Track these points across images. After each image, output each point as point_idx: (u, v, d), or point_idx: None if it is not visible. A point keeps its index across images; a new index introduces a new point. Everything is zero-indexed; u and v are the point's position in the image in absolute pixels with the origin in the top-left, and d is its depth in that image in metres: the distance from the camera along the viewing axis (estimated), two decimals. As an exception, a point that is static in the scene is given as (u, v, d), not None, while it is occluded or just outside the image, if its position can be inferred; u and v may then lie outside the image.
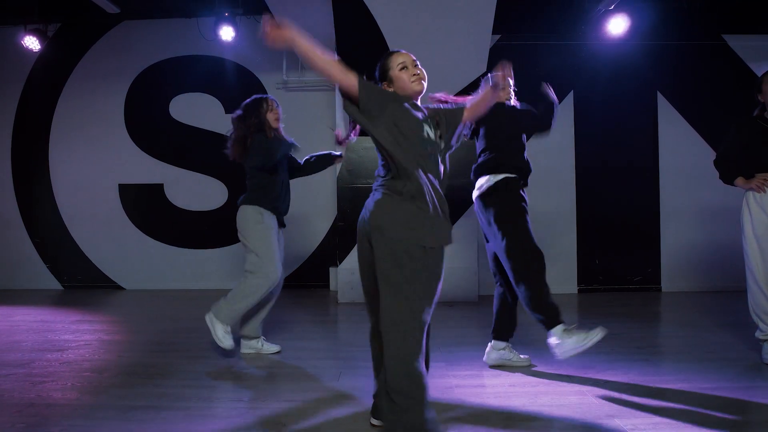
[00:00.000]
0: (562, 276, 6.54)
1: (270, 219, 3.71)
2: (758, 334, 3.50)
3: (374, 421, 2.43)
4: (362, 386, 3.02)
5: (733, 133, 3.62)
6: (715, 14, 6.45)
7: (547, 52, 6.56)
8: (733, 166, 3.59)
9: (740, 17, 6.52)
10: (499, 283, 3.49)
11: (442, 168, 2.33)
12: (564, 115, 6.59)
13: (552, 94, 3.64)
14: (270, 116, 3.75)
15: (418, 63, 2.43)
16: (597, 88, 6.58)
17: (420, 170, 2.19)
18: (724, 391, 2.89)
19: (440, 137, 2.36)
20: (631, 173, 6.61)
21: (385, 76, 2.43)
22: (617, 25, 6.05)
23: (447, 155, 2.41)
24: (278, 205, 3.74)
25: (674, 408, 2.65)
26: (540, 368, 3.36)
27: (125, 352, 3.82)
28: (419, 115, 2.32)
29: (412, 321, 2.05)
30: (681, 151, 6.58)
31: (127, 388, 2.99)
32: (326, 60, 2.27)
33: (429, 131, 2.30)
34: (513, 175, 3.38)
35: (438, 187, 2.26)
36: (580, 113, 6.61)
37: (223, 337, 3.52)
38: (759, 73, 6.41)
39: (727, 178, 3.62)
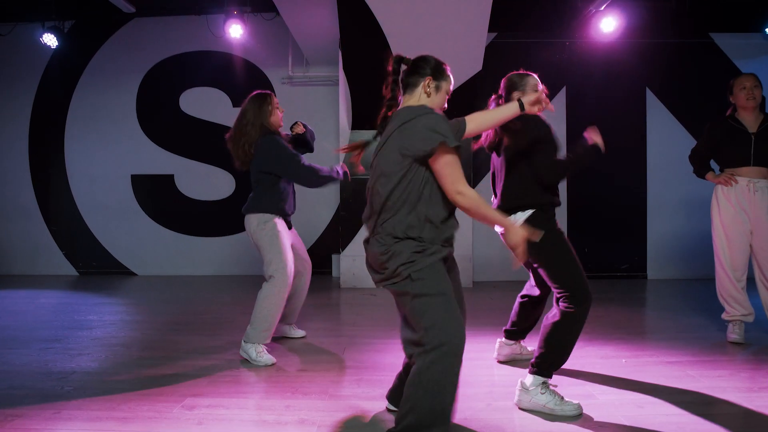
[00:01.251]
0: (553, 263, 6.89)
1: (279, 223, 3.55)
2: (724, 316, 3.85)
3: (390, 406, 2.51)
4: (365, 359, 3.37)
5: (706, 132, 3.95)
6: (702, 13, 6.73)
7: (541, 50, 6.87)
8: (704, 162, 3.93)
9: (727, 16, 6.81)
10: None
11: None
12: (556, 109, 6.86)
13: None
14: (274, 117, 3.61)
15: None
16: (589, 85, 6.89)
17: None
18: (685, 364, 3.24)
19: None
20: (620, 166, 6.92)
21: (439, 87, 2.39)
22: (608, 24, 6.33)
23: None
24: (284, 207, 3.59)
25: (639, 377, 3.00)
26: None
27: (147, 331, 4.18)
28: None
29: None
30: (668, 145, 6.89)
31: (155, 360, 3.35)
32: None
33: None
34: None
35: None
36: (572, 108, 6.92)
37: (257, 357, 3.30)
38: (745, 71, 6.77)
39: (699, 172, 3.96)
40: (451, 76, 2.44)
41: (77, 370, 3.12)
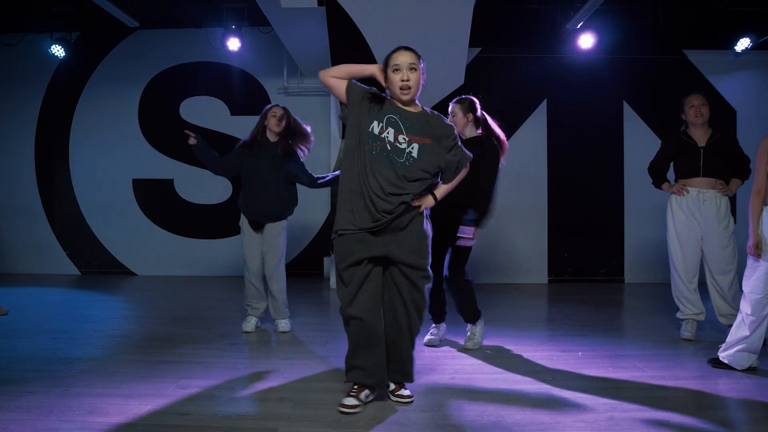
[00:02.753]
0: (534, 268, 7.24)
1: (243, 222, 4.24)
2: (678, 315, 4.19)
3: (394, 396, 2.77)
4: (342, 350, 3.69)
5: (662, 146, 4.32)
6: (676, 31, 7.09)
7: (523, 64, 7.23)
8: (661, 174, 4.28)
9: (699, 34, 7.17)
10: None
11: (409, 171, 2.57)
12: (538, 121, 7.28)
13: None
14: (271, 122, 4.25)
15: (416, 65, 2.62)
16: (568, 97, 7.24)
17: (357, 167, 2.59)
18: (636, 358, 3.58)
19: (403, 142, 2.56)
20: (599, 174, 7.27)
21: (385, 73, 2.67)
22: (586, 41, 6.72)
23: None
24: (247, 209, 4.18)
25: (590, 368, 3.34)
26: (494, 341, 4.04)
27: (146, 324, 4.52)
28: (383, 111, 2.59)
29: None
30: (644, 154, 7.08)
31: (154, 348, 3.69)
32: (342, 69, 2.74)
33: (375, 126, 2.56)
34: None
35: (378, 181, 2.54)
36: (552, 120, 7.27)
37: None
38: (716, 85, 7.19)
39: (656, 183, 4.32)
40: (398, 50, 2.73)
41: (83, 356, 3.45)
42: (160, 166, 7.68)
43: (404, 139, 2.57)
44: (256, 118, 7.58)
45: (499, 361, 3.49)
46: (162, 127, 7.68)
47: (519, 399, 2.80)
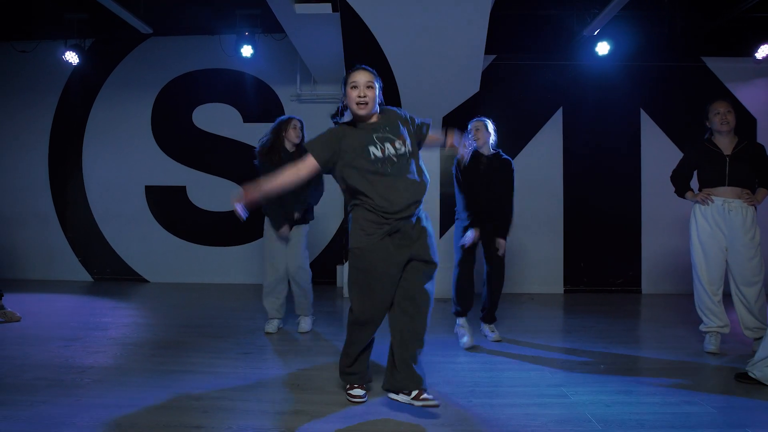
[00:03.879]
0: (549, 277, 7.13)
1: (267, 225, 4.48)
2: (702, 327, 4.08)
3: (391, 395, 2.83)
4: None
5: (686, 154, 4.22)
6: (694, 38, 6.99)
7: (538, 71, 7.16)
8: (684, 182, 4.18)
9: (718, 41, 7.06)
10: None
11: (413, 168, 2.72)
12: (553, 129, 7.19)
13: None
14: (291, 134, 4.46)
15: (372, 84, 2.71)
16: (584, 105, 7.15)
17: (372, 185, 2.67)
18: (659, 371, 3.48)
19: (400, 146, 2.69)
20: (615, 183, 7.16)
21: (343, 88, 2.79)
22: (602, 48, 6.64)
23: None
24: (270, 214, 4.40)
25: (613, 382, 3.24)
26: (511, 352, 3.95)
27: (159, 332, 4.46)
28: (363, 137, 2.70)
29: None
30: (662, 163, 7.07)
31: (165, 358, 3.63)
32: (284, 178, 2.82)
33: (375, 150, 2.67)
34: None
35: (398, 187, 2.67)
36: (568, 128, 7.17)
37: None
38: (736, 93, 7.08)
39: (679, 192, 4.21)
40: (355, 70, 2.80)
41: (95, 365, 3.40)
42: (172, 173, 7.66)
43: (400, 144, 2.72)
44: (268, 126, 7.60)
45: (519, 374, 3.40)
46: (175, 134, 7.68)
47: (541, 415, 2.70)
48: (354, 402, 2.85)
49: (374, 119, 2.79)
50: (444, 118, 6.19)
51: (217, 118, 7.61)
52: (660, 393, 3.01)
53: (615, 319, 5.33)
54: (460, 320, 4.27)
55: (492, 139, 4.26)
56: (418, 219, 2.78)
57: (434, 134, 2.94)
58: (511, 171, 4.29)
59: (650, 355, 3.92)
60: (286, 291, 4.51)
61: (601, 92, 7.13)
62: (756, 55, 6.86)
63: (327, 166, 2.78)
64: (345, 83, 2.78)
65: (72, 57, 7.11)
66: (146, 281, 7.65)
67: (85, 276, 7.75)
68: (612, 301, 6.46)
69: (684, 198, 4.18)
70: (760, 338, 3.92)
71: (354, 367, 2.91)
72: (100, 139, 7.74)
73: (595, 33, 6.45)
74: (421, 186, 2.74)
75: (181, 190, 7.67)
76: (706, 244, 4.00)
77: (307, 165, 2.77)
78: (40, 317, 4.96)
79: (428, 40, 5.36)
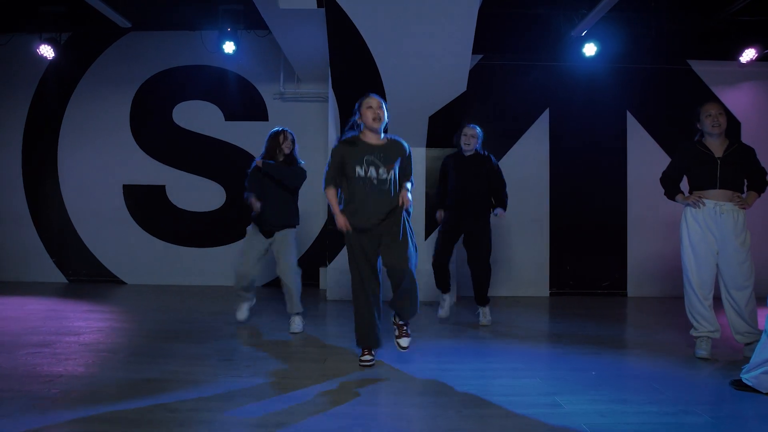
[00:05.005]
0: (535, 280, 7.06)
1: (251, 228, 4.72)
2: (692, 332, 4.01)
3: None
4: (345, 368, 3.50)
5: (676, 156, 4.15)
6: (680, 41, 6.99)
7: (526, 72, 7.10)
8: (674, 185, 4.11)
9: (704, 44, 7.07)
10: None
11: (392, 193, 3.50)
12: (540, 130, 7.13)
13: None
14: (284, 145, 4.65)
15: (383, 105, 3.51)
16: (571, 106, 7.10)
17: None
18: (652, 378, 3.39)
19: (383, 173, 3.45)
20: (602, 185, 7.13)
21: (359, 109, 3.54)
22: (590, 49, 6.60)
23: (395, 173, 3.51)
24: (257, 221, 4.64)
25: (607, 389, 3.14)
26: (501, 359, 3.85)
27: (135, 337, 4.28)
28: (359, 154, 3.45)
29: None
30: (647, 165, 7.08)
31: (142, 365, 3.46)
32: (331, 202, 3.64)
33: (360, 170, 3.43)
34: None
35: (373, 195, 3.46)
36: (554, 129, 7.12)
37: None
38: (720, 96, 7.06)
39: (670, 194, 4.14)
40: (369, 97, 3.58)
41: (64, 373, 3.22)
42: (151, 171, 7.46)
43: (384, 171, 3.46)
44: (250, 124, 7.48)
45: (510, 381, 3.29)
46: (154, 131, 7.48)
47: (535, 427, 2.59)
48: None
49: (379, 141, 3.53)
50: (430, 117, 6.09)
51: (198, 116, 7.43)
52: (656, 402, 2.92)
53: (603, 324, 5.26)
54: (444, 295, 5.22)
55: (478, 143, 4.95)
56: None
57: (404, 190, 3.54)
58: (494, 164, 4.94)
59: (642, 361, 3.84)
60: (252, 279, 4.74)
61: (588, 94, 7.09)
62: (740, 58, 6.87)
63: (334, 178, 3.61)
64: (360, 105, 3.54)
65: (47, 51, 6.88)
66: (123, 283, 7.43)
67: (59, 277, 7.51)
68: (598, 305, 6.40)
69: (674, 200, 4.12)
70: (751, 343, 3.88)
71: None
72: (76, 137, 7.52)
73: (583, 34, 6.39)
74: (393, 203, 3.50)
75: (161, 190, 7.47)
76: (696, 247, 3.94)
77: (333, 192, 3.63)
78: (9, 322, 4.75)
79: (415, 38, 5.25)
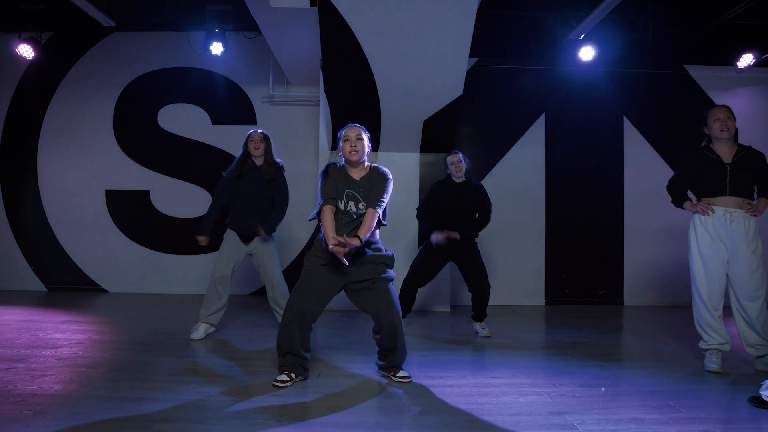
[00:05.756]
0: (530, 288, 6.90)
1: (229, 234, 4.58)
2: (701, 344, 3.86)
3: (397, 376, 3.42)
4: (339, 384, 3.29)
5: (683, 163, 4.00)
6: (678, 46, 6.91)
7: (521, 76, 6.96)
8: (682, 192, 3.96)
9: (701, 49, 6.99)
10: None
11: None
12: (536, 136, 6.98)
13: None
14: (250, 146, 4.58)
15: (362, 137, 3.38)
16: (567, 111, 6.98)
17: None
18: (665, 394, 3.22)
19: (362, 207, 3.32)
20: (598, 192, 7.00)
21: (337, 142, 3.44)
22: (587, 53, 6.47)
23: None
24: (236, 225, 4.54)
25: (619, 407, 2.97)
26: (504, 372, 3.67)
27: (115, 351, 4.03)
28: (341, 186, 3.33)
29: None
30: (644, 172, 6.98)
31: (121, 382, 3.22)
32: (326, 223, 3.27)
33: (340, 204, 3.30)
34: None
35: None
36: (550, 134, 6.99)
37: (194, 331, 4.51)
38: (717, 102, 6.97)
39: (677, 202, 3.99)
40: (348, 128, 3.44)
41: (38, 392, 2.97)
42: (135, 176, 7.20)
43: (362, 206, 3.33)
44: (238, 128, 7.27)
45: (517, 398, 3.10)
46: (138, 135, 7.23)
47: (549, 448, 2.41)
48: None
49: (361, 173, 3.41)
50: (425, 122, 5.91)
51: (183, 120, 7.19)
52: (674, 421, 2.75)
53: (603, 334, 5.11)
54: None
55: (465, 167, 4.90)
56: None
57: (366, 225, 3.28)
58: (483, 193, 4.93)
59: (650, 374, 3.66)
60: (225, 292, 4.55)
61: (584, 98, 6.98)
62: (738, 64, 6.81)
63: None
64: (340, 137, 3.41)
65: (27, 51, 6.62)
66: (105, 291, 7.15)
67: (38, 286, 7.21)
68: (595, 314, 6.25)
69: (682, 208, 3.97)
70: (764, 356, 3.74)
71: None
72: (57, 140, 7.24)
73: (581, 37, 6.27)
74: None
75: (144, 195, 7.21)
76: (706, 256, 3.79)
77: (329, 210, 3.31)
78: (-18, 333, 4.48)
79: (411, 39, 5.08)
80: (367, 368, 3.67)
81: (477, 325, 4.94)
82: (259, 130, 4.65)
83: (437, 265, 4.90)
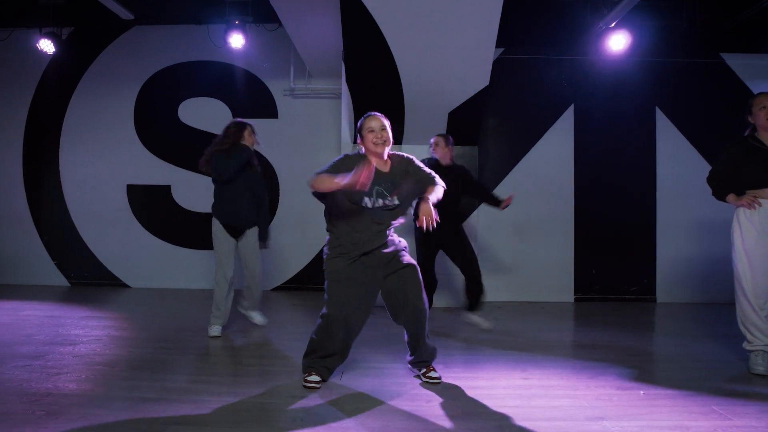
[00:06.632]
0: (559, 285, 6.69)
1: (218, 228, 4.41)
2: (746, 345, 3.63)
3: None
4: (364, 385, 3.15)
5: (726, 152, 3.75)
6: (713, 33, 6.61)
7: (549, 66, 6.73)
8: (725, 184, 3.72)
9: (738, 36, 6.68)
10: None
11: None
12: (564, 128, 6.76)
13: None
14: (250, 139, 4.50)
15: (386, 126, 3.16)
16: (597, 103, 6.73)
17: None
18: (710, 398, 3.01)
19: (390, 202, 3.14)
20: (629, 186, 6.75)
21: (360, 134, 3.21)
22: (618, 42, 6.19)
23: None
24: (226, 217, 4.39)
25: (661, 412, 2.78)
26: (534, 373, 3.49)
27: (134, 348, 3.95)
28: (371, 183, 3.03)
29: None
30: (678, 165, 6.72)
31: (138, 381, 3.13)
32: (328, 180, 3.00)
33: (368, 201, 3.09)
34: None
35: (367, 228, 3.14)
36: (580, 126, 6.75)
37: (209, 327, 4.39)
38: (755, 91, 6.61)
39: (719, 194, 3.75)
40: (369, 116, 3.22)
41: (53, 391, 2.88)
42: (156, 171, 7.15)
43: (390, 199, 3.14)
44: (259, 122, 7.15)
45: (550, 402, 2.93)
46: (159, 129, 7.17)
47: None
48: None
49: (385, 167, 3.20)
50: (450, 113, 5.74)
51: (204, 114, 7.11)
52: (722, 429, 2.55)
53: (636, 333, 4.90)
54: None
55: (449, 151, 4.87)
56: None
57: (434, 193, 3.19)
58: (469, 172, 4.97)
59: (690, 377, 3.45)
60: (230, 293, 4.49)
61: (614, 89, 6.73)
62: (779, 51, 6.48)
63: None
64: (360, 128, 3.21)
65: (48, 46, 6.59)
66: (127, 286, 7.12)
67: (61, 281, 7.21)
68: (627, 312, 6.03)
69: (725, 201, 3.73)
70: (813, 358, 3.50)
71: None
72: (78, 135, 7.22)
73: (612, 25, 6.02)
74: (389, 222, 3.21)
75: (166, 190, 7.16)
76: (752, 252, 3.56)
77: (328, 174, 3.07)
78: (1, 329, 4.43)
79: (436, 28, 4.90)
80: (391, 367, 3.53)
81: (473, 316, 4.86)
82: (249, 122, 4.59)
83: (434, 250, 4.83)
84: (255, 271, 4.55)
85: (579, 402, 2.93)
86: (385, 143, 3.17)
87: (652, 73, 6.73)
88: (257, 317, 4.77)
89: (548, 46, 6.67)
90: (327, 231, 3.28)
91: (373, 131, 3.16)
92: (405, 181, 3.19)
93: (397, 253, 3.24)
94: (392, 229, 3.30)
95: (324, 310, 3.13)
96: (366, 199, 3.11)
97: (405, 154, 3.31)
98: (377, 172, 3.13)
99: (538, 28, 6.59)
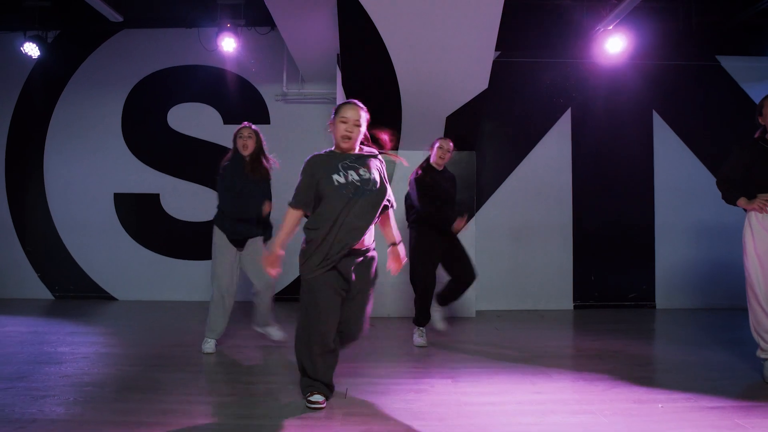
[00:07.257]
0: (557, 292, 6.58)
1: (220, 238, 4.22)
2: (759, 353, 3.53)
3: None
4: (371, 401, 3.00)
5: (736, 155, 3.66)
6: (710, 36, 6.57)
7: (546, 69, 6.64)
8: (735, 187, 3.63)
9: (734, 39, 6.65)
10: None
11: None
12: (561, 131, 6.67)
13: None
14: (238, 143, 4.31)
15: (361, 121, 2.95)
16: (594, 106, 6.65)
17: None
18: (730, 410, 2.90)
19: (364, 172, 2.93)
20: (627, 190, 6.66)
21: (333, 118, 3.00)
22: (615, 45, 6.12)
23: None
24: (227, 227, 4.21)
25: (684, 428, 2.65)
26: (546, 386, 3.36)
27: (124, 366, 3.76)
28: (334, 162, 2.93)
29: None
30: (676, 169, 6.65)
31: (131, 403, 2.95)
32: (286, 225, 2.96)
33: (338, 177, 2.86)
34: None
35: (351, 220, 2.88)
36: (577, 130, 6.66)
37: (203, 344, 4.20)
38: (751, 94, 6.62)
39: (730, 198, 3.66)
40: (347, 104, 3.01)
41: (38, 417, 2.69)
42: (145, 179, 6.94)
43: (364, 171, 2.94)
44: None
45: (567, 418, 2.79)
46: (148, 136, 6.97)
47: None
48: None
49: (352, 152, 3.00)
50: (447, 118, 5.62)
51: (194, 120, 6.93)
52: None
53: (641, 341, 4.79)
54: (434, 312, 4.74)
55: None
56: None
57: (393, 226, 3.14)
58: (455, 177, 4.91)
59: (704, 387, 3.32)
60: (229, 306, 4.23)
61: (611, 92, 6.65)
62: (775, 54, 6.45)
63: (315, 190, 2.95)
64: (335, 114, 3.00)
65: (32, 49, 6.38)
66: (114, 299, 6.90)
67: (45, 294, 6.97)
68: (627, 319, 5.93)
69: (735, 205, 3.64)
70: (831, 367, 3.41)
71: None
72: (64, 142, 7.00)
73: (611, 27, 5.94)
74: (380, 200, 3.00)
75: (154, 198, 6.95)
76: (764, 257, 3.46)
77: (292, 212, 2.97)
78: (-17, 347, 4.23)
79: (434, 30, 4.77)
80: (396, 382, 3.38)
81: (439, 312, 4.78)
82: (245, 124, 4.46)
83: (436, 259, 4.60)
84: (260, 283, 4.24)
85: (597, 418, 2.79)
86: (352, 140, 2.94)
87: (649, 76, 6.67)
88: (273, 333, 4.47)
89: (545, 49, 6.58)
90: (304, 230, 2.98)
91: (345, 122, 2.94)
92: (373, 166, 3.01)
93: (369, 273, 3.05)
94: (370, 235, 3.02)
95: (300, 323, 2.97)
96: (336, 177, 2.87)
97: (375, 152, 3.11)
98: (338, 155, 2.98)
99: (535, 31, 6.50)
